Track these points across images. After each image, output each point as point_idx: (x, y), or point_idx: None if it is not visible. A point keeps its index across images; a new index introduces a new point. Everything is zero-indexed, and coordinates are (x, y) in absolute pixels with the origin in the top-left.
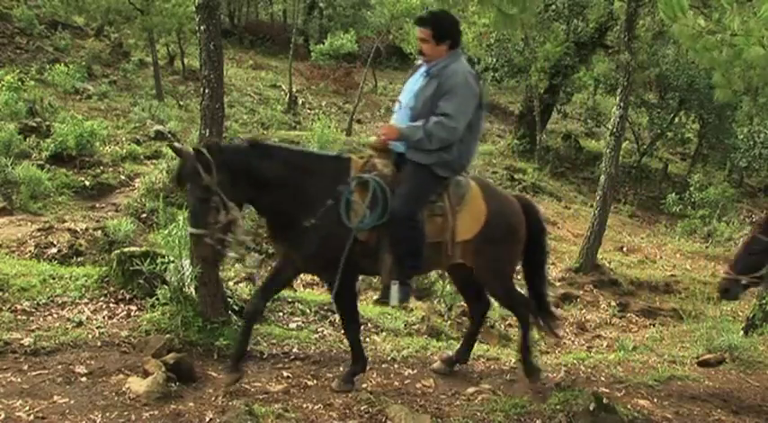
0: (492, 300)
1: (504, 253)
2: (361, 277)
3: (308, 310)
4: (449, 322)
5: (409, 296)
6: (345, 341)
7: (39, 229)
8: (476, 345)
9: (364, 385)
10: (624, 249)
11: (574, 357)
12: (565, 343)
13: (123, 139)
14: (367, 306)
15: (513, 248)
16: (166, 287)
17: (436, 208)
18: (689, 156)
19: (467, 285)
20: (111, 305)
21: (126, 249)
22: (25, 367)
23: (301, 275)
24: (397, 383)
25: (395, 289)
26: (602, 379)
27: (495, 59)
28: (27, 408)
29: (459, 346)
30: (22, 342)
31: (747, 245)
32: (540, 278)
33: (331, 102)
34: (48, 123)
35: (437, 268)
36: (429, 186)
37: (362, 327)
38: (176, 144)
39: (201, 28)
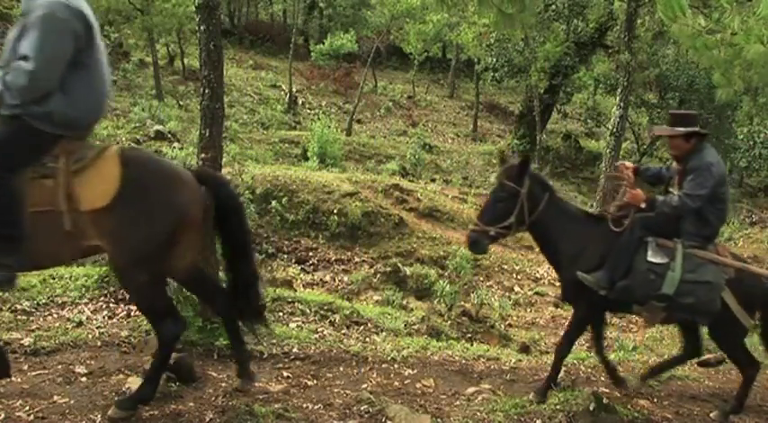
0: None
1: (148, 234)
2: (360, 277)
3: (307, 310)
4: (449, 322)
5: (11, 281)
6: (345, 341)
7: None
8: (476, 344)
9: (364, 385)
10: None
11: (574, 357)
12: None
13: (123, 139)
14: (367, 306)
15: (165, 230)
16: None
17: (45, 169)
18: None
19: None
20: (111, 305)
21: None
22: (25, 367)
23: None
24: (397, 383)
25: None
26: (602, 379)
27: (495, 59)
28: (27, 408)
29: None
30: (22, 342)
31: (494, 193)
32: (246, 264)
33: (331, 102)
34: None
35: (67, 254)
36: (20, 140)
37: (363, 327)
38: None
39: (201, 28)
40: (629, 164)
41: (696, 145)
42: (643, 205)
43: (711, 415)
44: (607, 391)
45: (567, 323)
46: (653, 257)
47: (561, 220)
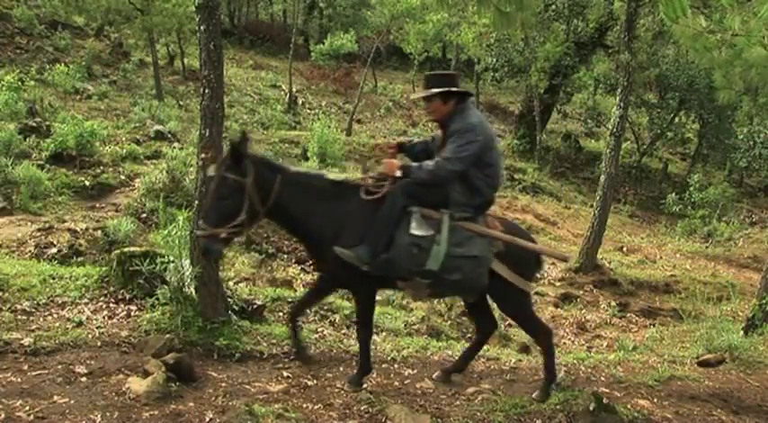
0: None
1: None
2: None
3: (308, 310)
4: (449, 322)
5: None
6: (345, 341)
7: (39, 229)
8: None
9: (364, 385)
10: (624, 249)
11: (574, 357)
12: (565, 343)
13: (123, 139)
14: None
15: None
16: (166, 287)
17: None
18: (689, 156)
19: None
20: (111, 305)
21: (126, 249)
22: (25, 367)
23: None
24: (397, 383)
25: None
26: (602, 379)
27: (495, 59)
28: (27, 408)
29: None
30: (22, 342)
31: (216, 189)
32: None
33: (331, 102)
34: (48, 123)
35: None
36: None
37: None
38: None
39: (201, 28)
40: (392, 142)
41: (457, 106)
42: (398, 174)
43: (533, 395)
44: (607, 391)
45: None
46: (416, 230)
47: (305, 198)
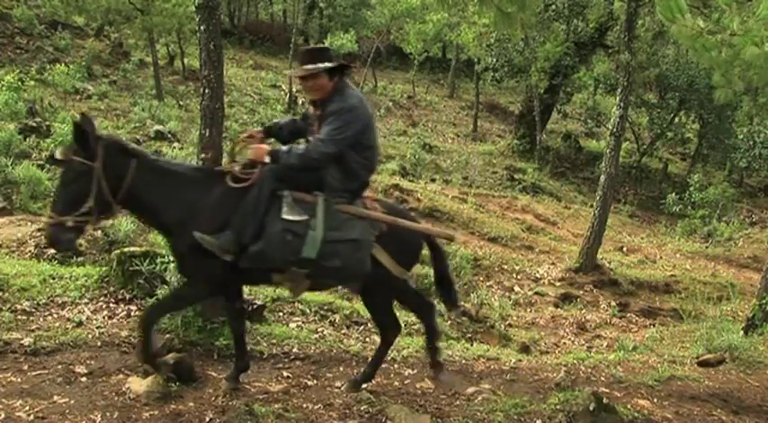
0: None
1: None
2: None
3: (307, 310)
4: (449, 322)
5: None
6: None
7: (39, 229)
8: (476, 344)
9: (364, 385)
10: (624, 249)
11: (574, 357)
12: (565, 343)
13: (123, 139)
14: None
15: None
16: (166, 287)
17: None
18: (689, 156)
19: None
20: (111, 305)
21: (126, 249)
22: (25, 367)
23: None
24: (397, 383)
25: None
26: (602, 379)
27: (495, 59)
28: (27, 408)
29: None
30: (22, 342)
31: (62, 175)
32: None
33: None
34: (48, 123)
35: None
36: None
37: (363, 327)
38: None
39: (201, 28)
40: (258, 129)
41: (337, 85)
42: (267, 159)
43: (342, 387)
44: (607, 391)
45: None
46: (288, 214)
47: (164, 186)
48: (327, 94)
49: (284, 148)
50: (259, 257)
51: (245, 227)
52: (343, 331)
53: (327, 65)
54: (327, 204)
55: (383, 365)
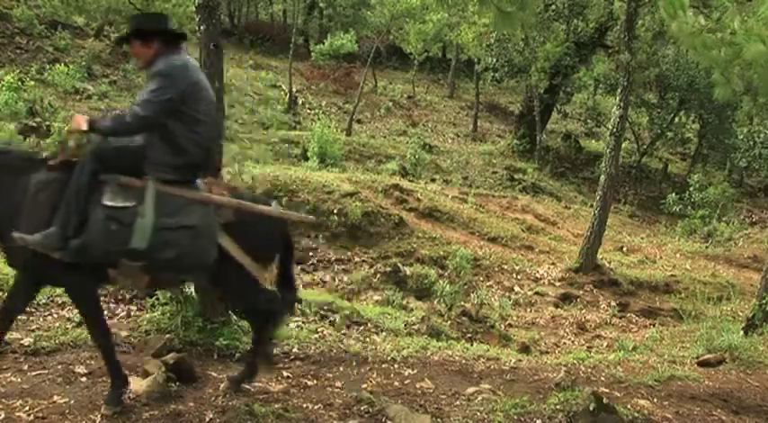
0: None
1: None
2: (360, 278)
3: (307, 310)
4: (449, 322)
5: None
6: (345, 341)
7: None
8: (476, 344)
9: (364, 385)
10: (624, 249)
11: (574, 357)
12: (565, 343)
13: None
14: (367, 306)
15: None
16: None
17: None
18: (689, 156)
19: None
20: (111, 305)
21: None
22: (25, 367)
23: None
24: (397, 383)
25: None
26: (602, 379)
27: (495, 59)
28: (27, 408)
29: None
30: (22, 342)
31: None
32: None
33: (331, 102)
34: (48, 123)
35: None
36: None
37: (363, 327)
38: None
39: (201, 28)
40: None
41: (159, 51)
42: (85, 126)
43: (222, 387)
44: (607, 391)
45: None
46: (112, 200)
47: None
48: (150, 60)
49: (102, 114)
50: (82, 252)
51: (69, 218)
52: (343, 331)
53: (135, 29)
54: (158, 188)
55: (383, 365)
